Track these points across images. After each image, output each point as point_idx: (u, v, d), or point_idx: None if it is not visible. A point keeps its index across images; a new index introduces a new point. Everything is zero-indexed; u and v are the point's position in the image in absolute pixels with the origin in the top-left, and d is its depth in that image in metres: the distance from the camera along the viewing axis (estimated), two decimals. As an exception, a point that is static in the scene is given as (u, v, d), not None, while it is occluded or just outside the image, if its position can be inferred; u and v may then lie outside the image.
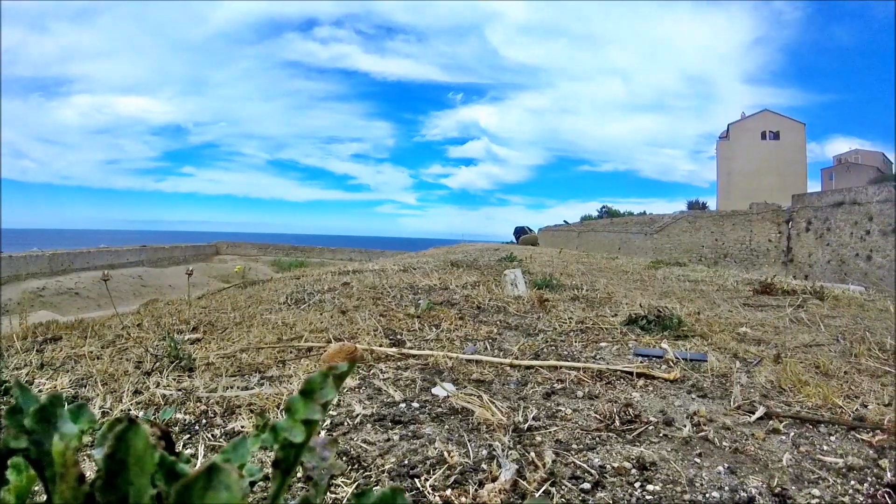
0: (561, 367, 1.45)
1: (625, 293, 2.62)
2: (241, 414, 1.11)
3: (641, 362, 1.51)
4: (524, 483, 0.85)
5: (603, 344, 1.71)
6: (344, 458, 0.92)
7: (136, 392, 1.23)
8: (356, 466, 0.90)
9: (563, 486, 0.84)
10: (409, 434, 1.02)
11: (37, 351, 1.62)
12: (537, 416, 1.12)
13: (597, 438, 1.03)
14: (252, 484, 0.38)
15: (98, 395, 1.21)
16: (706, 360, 1.50)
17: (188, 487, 0.24)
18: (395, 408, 1.16)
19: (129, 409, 1.14)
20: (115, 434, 0.25)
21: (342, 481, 0.84)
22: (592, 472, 0.89)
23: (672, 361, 1.51)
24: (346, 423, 1.07)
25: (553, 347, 1.67)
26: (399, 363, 1.48)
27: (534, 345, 1.69)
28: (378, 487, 0.73)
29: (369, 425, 1.06)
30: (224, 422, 1.08)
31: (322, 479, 0.35)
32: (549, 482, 0.85)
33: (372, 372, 1.39)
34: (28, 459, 0.28)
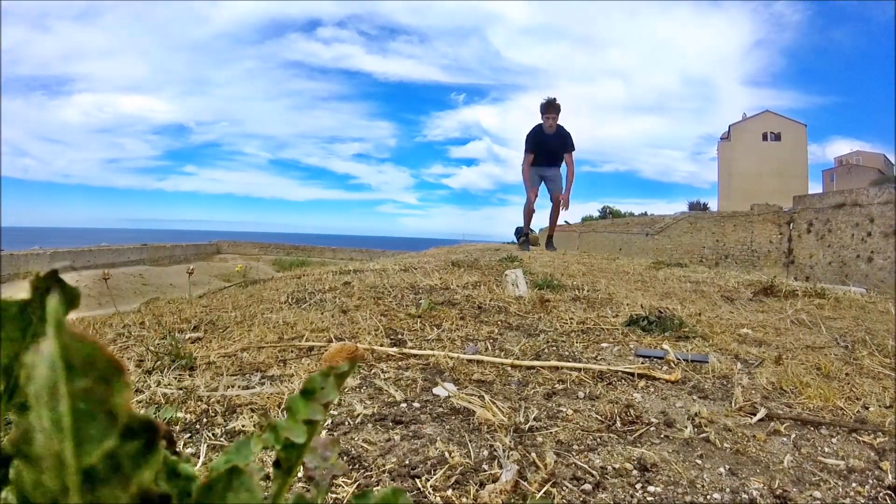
0: (562, 368, 1.45)
1: (626, 294, 2.62)
2: (242, 413, 1.11)
3: (642, 363, 1.50)
4: (525, 484, 0.85)
5: (604, 345, 1.71)
6: (345, 458, 0.92)
7: (137, 391, 1.23)
8: (357, 466, 0.90)
9: (564, 487, 0.84)
10: (410, 434, 1.02)
11: (38, 349, 1.62)
12: (538, 416, 1.12)
13: (598, 439, 1.03)
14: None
15: (99, 393, 1.21)
16: (707, 362, 1.50)
17: (209, 488, 0.25)
18: (395, 407, 1.16)
19: (130, 408, 1.14)
20: (119, 434, 0.25)
21: (343, 481, 0.84)
22: (593, 472, 0.89)
23: (673, 362, 1.51)
24: (346, 423, 1.07)
25: (554, 348, 1.67)
26: (400, 363, 1.48)
27: (535, 345, 1.69)
28: (379, 488, 0.73)
29: (370, 425, 1.06)
30: (225, 421, 1.08)
31: (323, 479, 0.35)
32: (551, 483, 0.85)
33: (373, 371, 1.39)
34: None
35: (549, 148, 5.88)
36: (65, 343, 0.20)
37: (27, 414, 0.20)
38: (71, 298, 0.24)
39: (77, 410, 0.20)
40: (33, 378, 0.20)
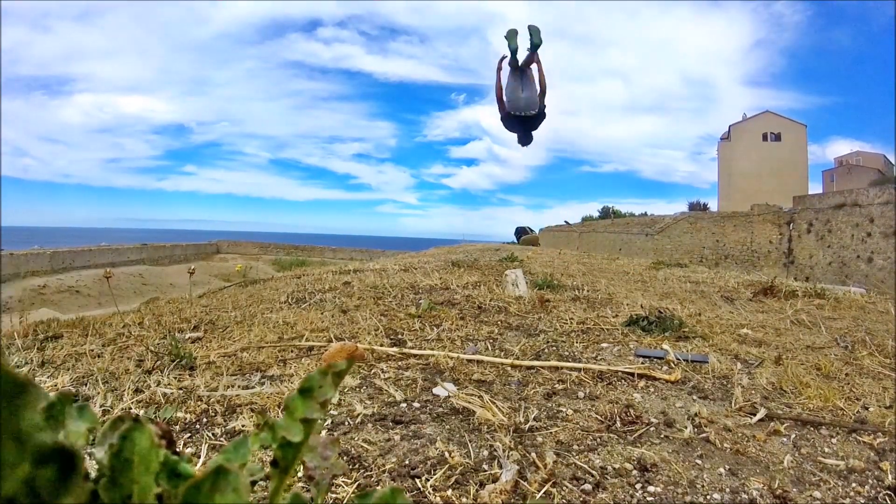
0: (562, 368, 1.45)
1: (626, 294, 2.62)
2: (242, 413, 1.11)
3: (642, 363, 1.50)
4: (525, 484, 0.85)
5: (604, 345, 1.71)
6: (345, 458, 0.92)
7: (137, 391, 1.23)
8: (357, 466, 0.90)
9: (564, 487, 0.84)
10: (410, 434, 1.02)
11: (38, 349, 1.62)
12: (538, 416, 1.12)
13: (598, 439, 1.03)
14: (253, 483, 0.38)
15: (99, 393, 1.21)
16: (707, 362, 1.50)
17: (196, 488, 0.24)
18: (395, 407, 1.16)
19: (130, 408, 1.14)
20: (120, 432, 0.25)
21: (343, 481, 0.84)
22: (593, 473, 0.89)
23: (673, 362, 1.51)
24: (347, 423, 1.07)
25: (554, 348, 1.67)
26: (400, 363, 1.48)
27: (535, 345, 1.69)
28: (379, 487, 0.73)
29: (370, 425, 1.06)
30: (225, 421, 1.08)
31: (324, 478, 0.35)
32: (551, 483, 0.85)
33: (373, 371, 1.39)
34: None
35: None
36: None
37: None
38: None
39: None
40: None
